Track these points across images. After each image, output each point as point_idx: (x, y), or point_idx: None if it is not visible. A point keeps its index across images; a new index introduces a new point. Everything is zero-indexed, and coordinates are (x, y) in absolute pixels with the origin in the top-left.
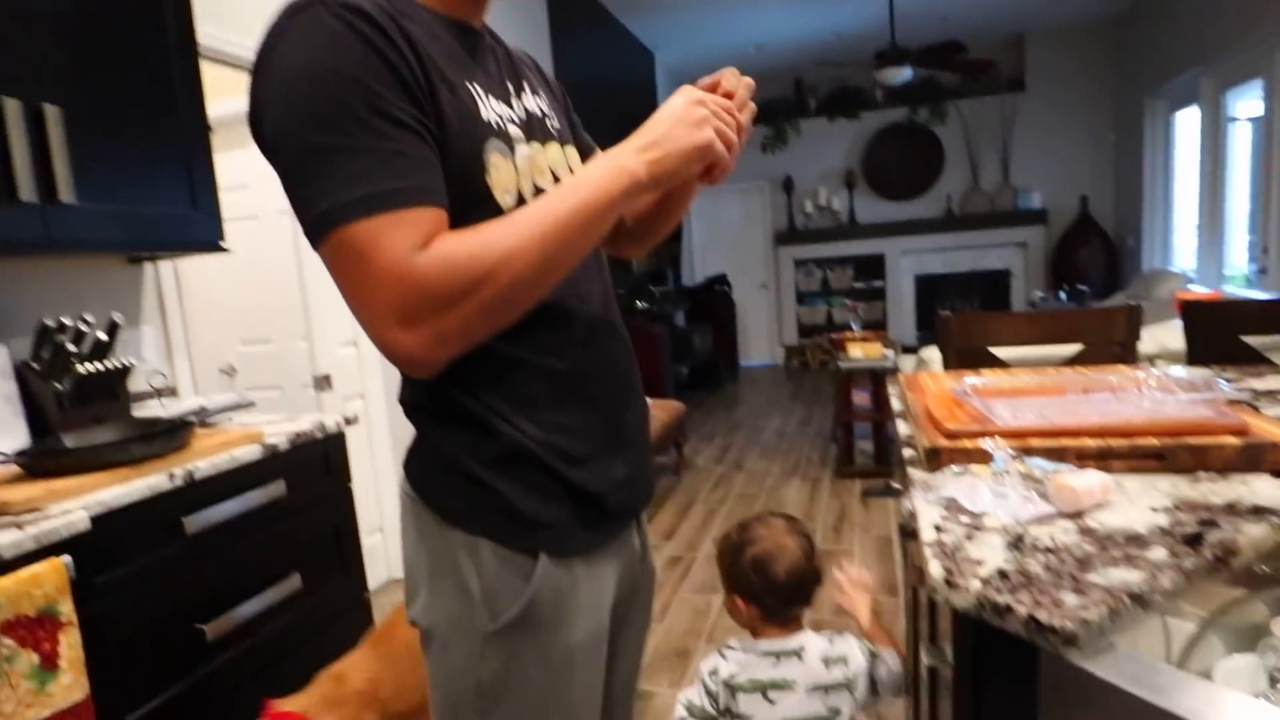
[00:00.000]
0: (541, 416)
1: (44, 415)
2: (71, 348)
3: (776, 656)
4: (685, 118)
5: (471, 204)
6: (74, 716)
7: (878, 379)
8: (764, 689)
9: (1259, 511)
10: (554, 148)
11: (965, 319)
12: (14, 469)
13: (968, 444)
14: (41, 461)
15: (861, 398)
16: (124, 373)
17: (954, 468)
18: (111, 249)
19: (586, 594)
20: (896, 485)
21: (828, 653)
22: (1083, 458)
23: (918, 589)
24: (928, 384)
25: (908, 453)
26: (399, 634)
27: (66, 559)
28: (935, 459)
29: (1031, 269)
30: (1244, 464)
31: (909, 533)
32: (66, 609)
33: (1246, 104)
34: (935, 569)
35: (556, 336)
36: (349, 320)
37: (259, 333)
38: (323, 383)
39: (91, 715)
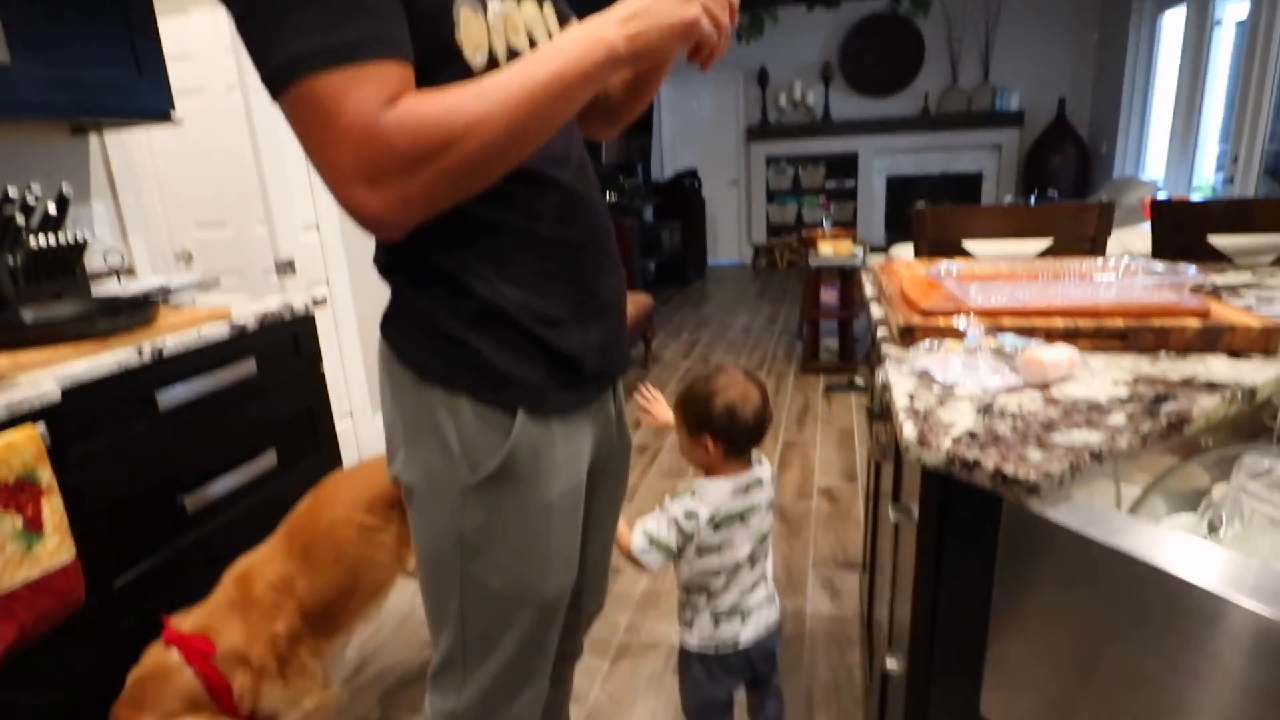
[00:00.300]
0: (518, 278)
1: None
2: (20, 220)
3: (746, 488)
4: None
5: (439, 62)
6: (63, 577)
7: (846, 277)
8: (741, 515)
9: (1213, 387)
10: (530, 6)
11: (939, 212)
12: None
13: (941, 322)
14: (4, 334)
15: (829, 295)
16: (79, 248)
17: (927, 343)
18: (52, 114)
19: (563, 453)
20: (859, 381)
21: (769, 475)
22: (1051, 336)
23: (880, 463)
24: (901, 270)
25: (881, 332)
26: (317, 522)
27: (40, 427)
28: (909, 336)
29: (1004, 173)
30: (1203, 344)
31: (879, 413)
32: (46, 475)
33: (1235, 6)
34: (909, 430)
35: (534, 200)
36: (310, 204)
37: (215, 216)
38: (285, 268)
39: (80, 576)
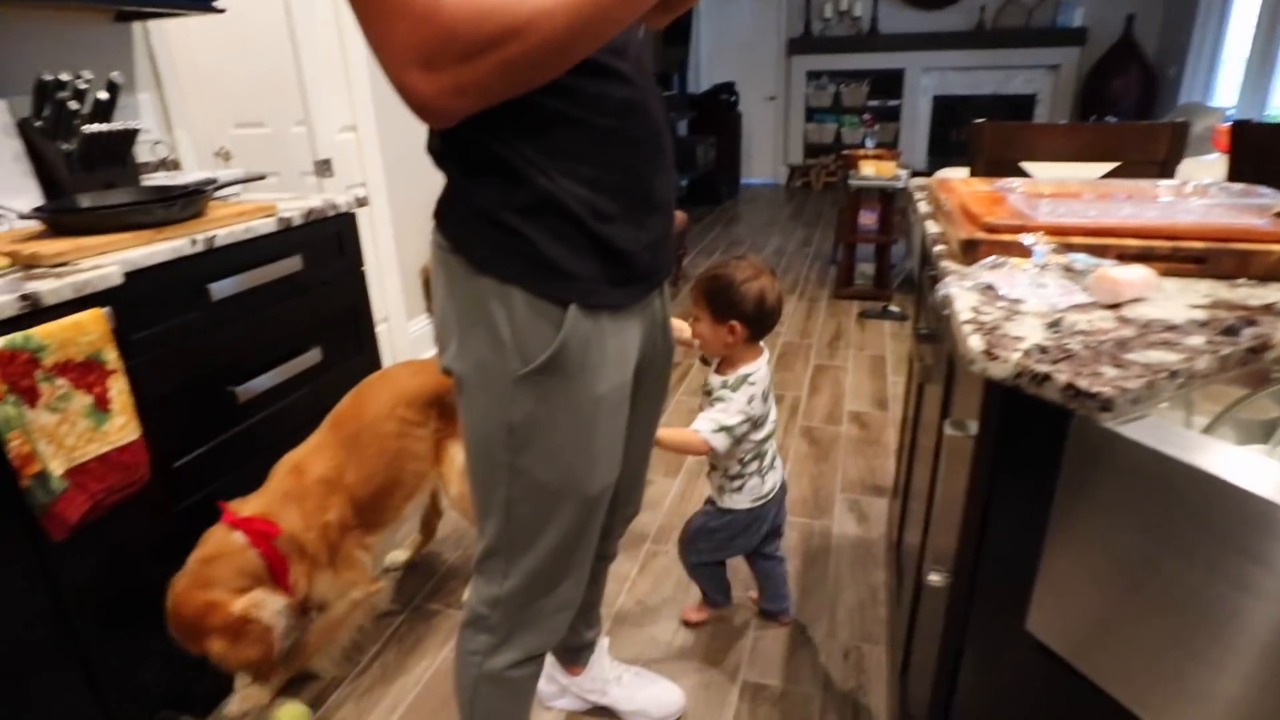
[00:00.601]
0: (575, 170)
1: (53, 176)
2: (74, 106)
3: (768, 369)
4: None
5: None
6: (130, 454)
7: (886, 200)
8: (768, 392)
9: None
10: None
11: (1000, 127)
12: (35, 226)
13: (1007, 238)
14: (64, 218)
15: (868, 219)
16: (130, 136)
17: (991, 259)
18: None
19: (612, 349)
20: (895, 308)
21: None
22: (1124, 257)
23: (925, 384)
24: (960, 186)
25: (938, 248)
26: (362, 415)
27: (106, 309)
28: (971, 251)
29: (1059, 97)
30: None
31: (926, 334)
32: (112, 357)
33: None
34: (975, 342)
35: (594, 92)
36: (348, 104)
37: (253, 115)
38: (323, 168)
39: (144, 454)
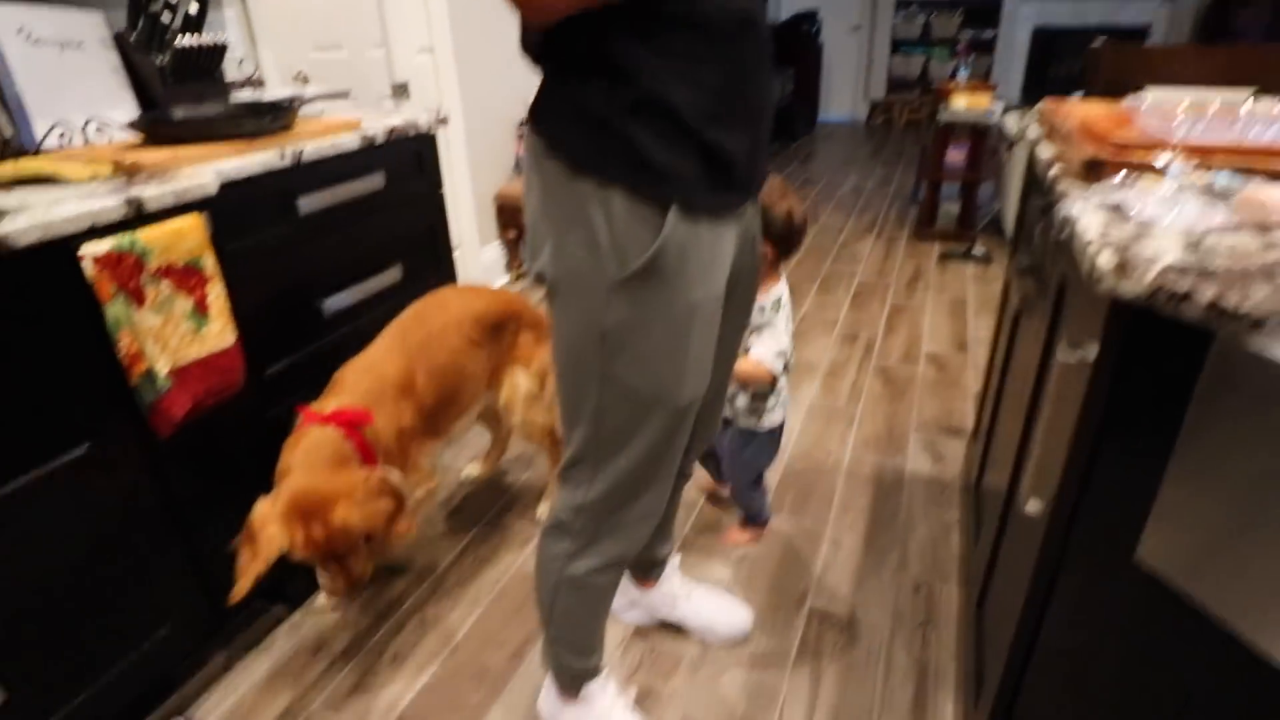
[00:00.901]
0: (685, 73)
1: (147, 89)
2: (166, 19)
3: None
4: None
5: None
6: (227, 358)
7: (978, 136)
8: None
9: None
10: None
11: (1121, 48)
12: (134, 137)
13: (1137, 157)
14: (161, 129)
15: (956, 155)
16: (220, 51)
17: (1119, 178)
18: None
19: (709, 255)
20: (979, 251)
21: None
22: (1273, 177)
23: (1022, 316)
24: (1079, 107)
25: (1054, 170)
26: (429, 324)
27: (203, 217)
28: (1096, 171)
29: (1175, 28)
30: None
31: (1027, 267)
32: (209, 263)
33: None
34: (1105, 257)
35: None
36: (425, 26)
37: (331, 38)
38: (400, 91)
39: (240, 359)
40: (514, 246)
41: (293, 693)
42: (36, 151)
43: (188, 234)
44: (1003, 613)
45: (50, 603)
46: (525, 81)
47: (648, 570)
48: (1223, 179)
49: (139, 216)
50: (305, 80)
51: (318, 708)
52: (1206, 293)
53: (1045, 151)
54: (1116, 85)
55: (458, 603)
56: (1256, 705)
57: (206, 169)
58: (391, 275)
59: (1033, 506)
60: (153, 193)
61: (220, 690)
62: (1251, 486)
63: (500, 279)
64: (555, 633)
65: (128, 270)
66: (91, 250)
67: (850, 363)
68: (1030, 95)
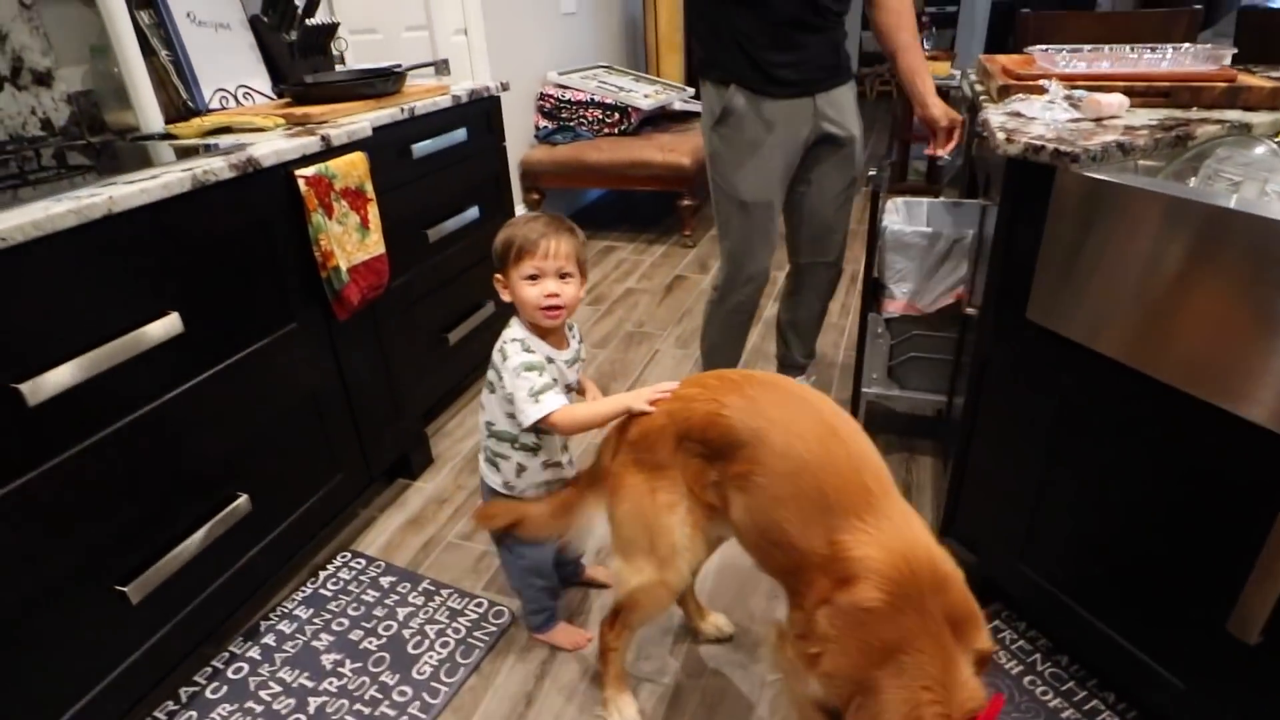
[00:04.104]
0: (747, 20)
1: (275, 63)
2: (297, 3)
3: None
4: None
5: None
6: (380, 262)
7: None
8: None
9: (1221, 122)
10: None
11: (1040, 16)
12: (283, 100)
13: (1031, 83)
14: (313, 90)
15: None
16: (333, 29)
17: (1019, 96)
18: None
19: (762, 117)
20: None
21: None
22: (1107, 91)
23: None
24: (1002, 58)
25: (982, 96)
26: None
27: (364, 153)
28: (1005, 92)
29: (1120, 2)
30: (1226, 102)
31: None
32: (370, 188)
33: None
34: (1001, 134)
35: None
36: (460, 8)
37: (364, 23)
38: (442, 67)
39: (387, 264)
40: (536, 207)
41: (430, 530)
42: (206, 112)
43: (357, 164)
44: (958, 390)
45: (277, 436)
46: (543, 60)
47: (788, 373)
48: (1080, 93)
49: (328, 150)
50: (342, 60)
51: (451, 538)
52: (1050, 145)
53: (979, 88)
54: (1040, 42)
55: None
56: (1093, 386)
57: (362, 118)
58: (471, 214)
59: (971, 311)
60: (335, 133)
61: (374, 531)
62: (1079, 249)
63: None
64: (707, 347)
65: (324, 189)
66: (303, 172)
67: (842, 290)
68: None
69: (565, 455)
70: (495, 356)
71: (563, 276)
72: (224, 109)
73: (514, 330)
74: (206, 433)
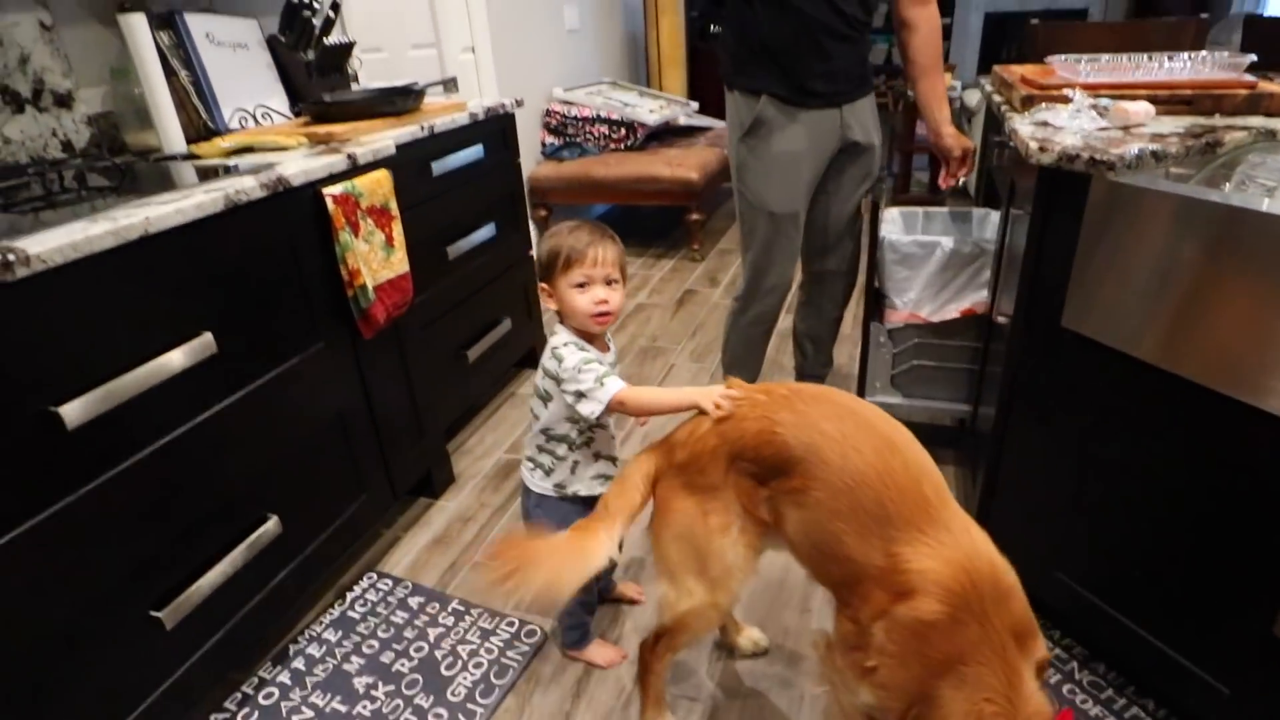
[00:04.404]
0: (772, 26)
1: (293, 82)
2: (316, 22)
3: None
4: None
5: None
6: (404, 280)
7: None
8: None
9: (1246, 129)
10: None
11: (1050, 26)
12: (302, 119)
13: (1054, 93)
14: (334, 109)
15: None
16: (349, 48)
17: (1044, 106)
18: None
19: (791, 127)
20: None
21: None
22: (1132, 99)
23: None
24: (1018, 68)
25: (1003, 108)
26: None
27: (388, 171)
28: (1029, 102)
29: (1111, 10)
30: (1248, 109)
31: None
32: (394, 206)
33: None
34: (1033, 144)
35: None
36: (468, 27)
37: (370, 42)
38: (450, 85)
39: (411, 282)
40: (544, 224)
41: (455, 549)
42: (226, 132)
43: (383, 182)
44: (989, 391)
45: (305, 456)
46: (548, 77)
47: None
48: (1105, 102)
49: (354, 168)
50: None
51: (478, 557)
52: (1085, 154)
53: (996, 98)
54: (1047, 54)
55: None
56: (1130, 391)
57: (385, 135)
58: (488, 231)
59: (1002, 320)
60: (361, 151)
61: (399, 551)
62: (1116, 255)
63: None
64: (728, 359)
65: (350, 207)
66: (330, 191)
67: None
68: (986, 73)
69: (617, 447)
70: (548, 364)
71: (609, 283)
72: (243, 129)
73: (562, 336)
74: (238, 453)
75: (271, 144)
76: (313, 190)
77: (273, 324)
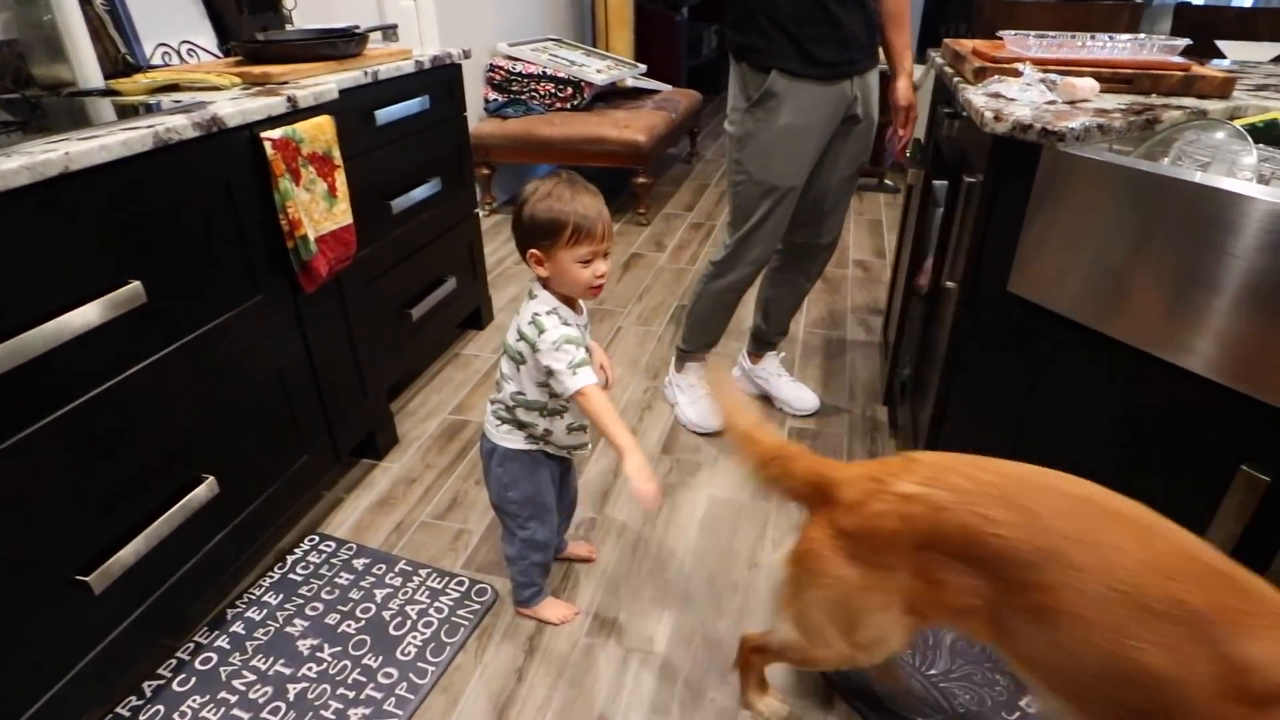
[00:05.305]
0: (798, 19)
1: (223, 19)
2: None
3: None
4: None
5: None
6: (347, 233)
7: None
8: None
9: (1181, 108)
10: None
11: (996, 4)
12: (233, 58)
13: (1005, 66)
14: (269, 48)
15: None
16: None
17: (995, 78)
18: None
19: (799, 100)
20: (890, 183)
21: None
22: (1079, 74)
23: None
24: (968, 41)
25: (955, 80)
26: None
27: (331, 117)
28: (981, 74)
29: None
30: (1182, 89)
31: (934, 159)
32: (337, 154)
33: None
34: (988, 114)
35: None
36: None
37: None
38: (390, 32)
39: (354, 235)
40: (486, 182)
41: (401, 511)
42: (149, 68)
43: (325, 128)
44: (931, 364)
45: (244, 415)
46: (491, 30)
47: (759, 346)
48: (1054, 76)
49: (295, 112)
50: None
51: (425, 518)
52: (1038, 124)
53: (948, 70)
54: (994, 29)
55: None
56: (1069, 354)
57: (326, 80)
58: (433, 186)
59: (949, 284)
60: (302, 94)
61: (342, 513)
62: (1061, 223)
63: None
64: (693, 320)
65: (290, 153)
66: (269, 134)
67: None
68: (923, 56)
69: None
70: (527, 329)
71: (606, 254)
72: (167, 65)
73: (544, 302)
74: (171, 411)
75: (201, 82)
76: (250, 133)
77: (208, 275)
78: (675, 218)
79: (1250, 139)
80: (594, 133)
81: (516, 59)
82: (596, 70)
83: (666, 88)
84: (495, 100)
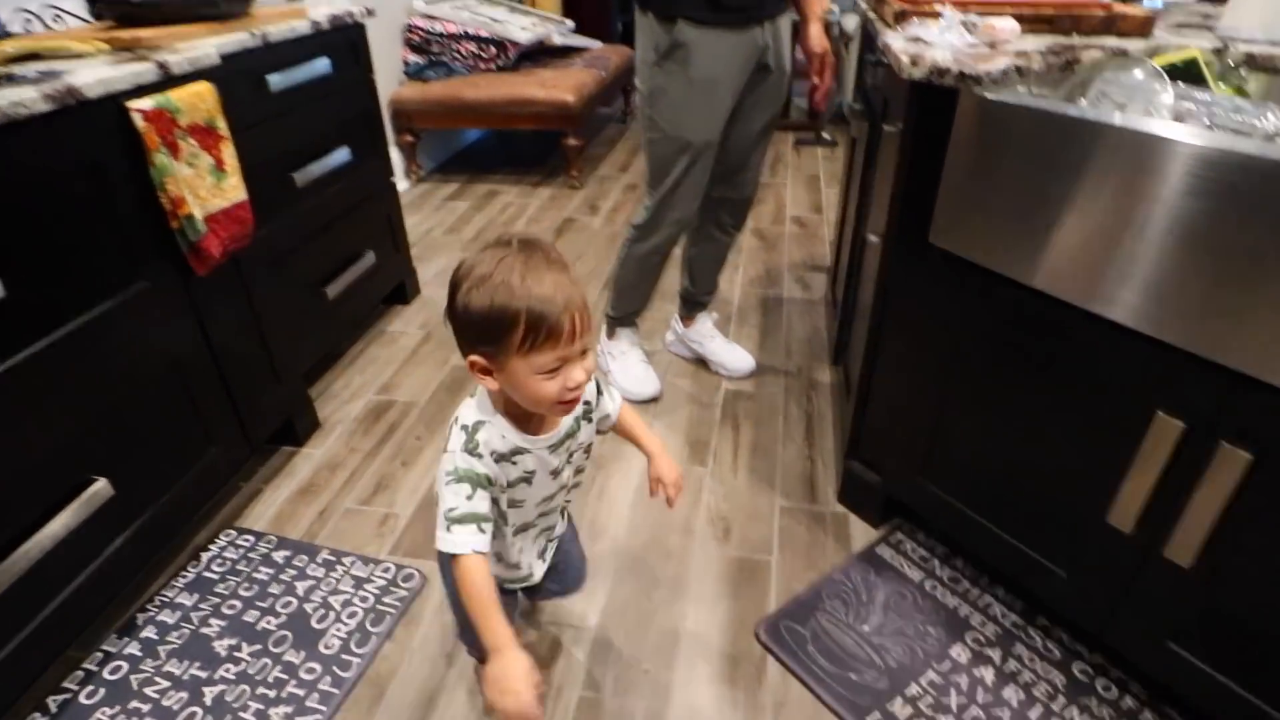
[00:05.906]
0: None
1: None
2: None
3: None
4: None
5: None
6: (242, 210)
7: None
8: None
9: (1101, 48)
10: None
11: None
12: (104, 22)
13: (926, 8)
14: (140, 10)
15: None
16: None
17: (915, 21)
18: None
19: (710, 50)
20: (826, 136)
21: None
22: (1000, 16)
23: (854, 148)
24: None
25: (876, 24)
26: None
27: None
28: (902, 18)
29: None
30: (1103, 29)
31: (865, 110)
32: (222, 125)
33: None
34: (905, 59)
35: None
36: None
37: None
38: None
39: (251, 212)
40: (411, 150)
41: (324, 498)
42: (5, 36)
43: (205, 96)
44: (860, 317)
45: (136, 410)
46: None
47: (691, 309)
48: (974, 18)
49: (167, 79)
50: None
51: (349, 504)
52: (955, 68)
53: (870, 13)
54: None
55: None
56: (991, 305)
57: (206, 43)
58: (342, 155)
59: (872, 238)
60: (175, 59)
61: (260, 504)
62: (979, 170)
63: (401, 183)
64: (620, 286)
65: (166, 124)
66: (138, 105)
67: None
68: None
69: (533, 556)
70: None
71: (584, 352)
72: (29, 33)
73: (476, 410)
74: (48, 411)
75: (62, 50)
76: (116, 105)
77: (78, 262)
78: (609, 180)
79: (1167, 78)
80: (520, 94)
81: (435, 18)
82: (521, 28)
83: (597, 44)
84: (415, 63)
